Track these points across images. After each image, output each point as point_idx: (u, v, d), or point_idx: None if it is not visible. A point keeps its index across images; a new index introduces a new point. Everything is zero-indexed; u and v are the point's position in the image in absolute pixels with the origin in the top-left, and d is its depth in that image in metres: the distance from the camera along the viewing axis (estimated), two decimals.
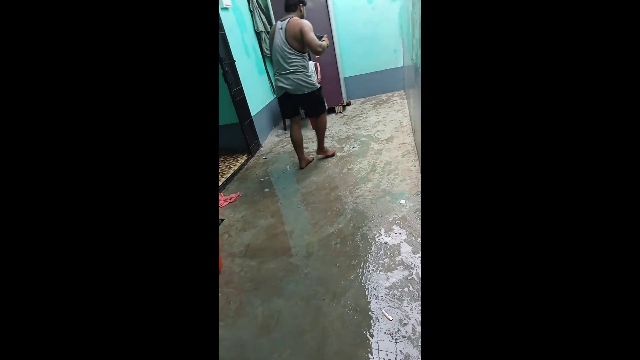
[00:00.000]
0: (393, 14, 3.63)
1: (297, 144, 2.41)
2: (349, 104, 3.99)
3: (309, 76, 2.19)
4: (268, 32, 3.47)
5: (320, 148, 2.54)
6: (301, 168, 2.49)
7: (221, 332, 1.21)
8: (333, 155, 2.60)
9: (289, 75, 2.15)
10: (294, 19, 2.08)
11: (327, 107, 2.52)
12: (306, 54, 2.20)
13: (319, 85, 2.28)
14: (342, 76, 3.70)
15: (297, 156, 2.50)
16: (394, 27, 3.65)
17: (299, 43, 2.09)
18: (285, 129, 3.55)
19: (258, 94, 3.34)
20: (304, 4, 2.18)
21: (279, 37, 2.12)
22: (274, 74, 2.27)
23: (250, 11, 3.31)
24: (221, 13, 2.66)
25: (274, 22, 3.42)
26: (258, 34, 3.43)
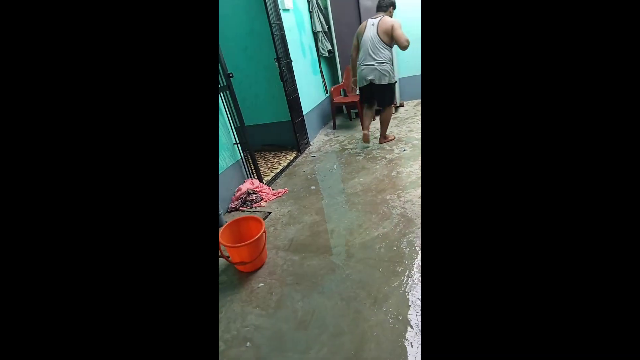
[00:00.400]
0: None
1: (367, 117, 2.77)
2: (402, 105, 3.86)
3: (393, 68, 2.52)
4: (325, 33, 3.51)
5: (383, 136, 2.82)
6: (364, 132, 2.75)
7: (262, 321, 1.25)
8: (394, 139, 2.86)
9: (377, 66, 2.47)
10: (386, 17, 2.45)
11: (396, 101, 2.86)
12: (392, 48, 2.49)
13: (395, 80, 2.60)
14: (396, 76, 3.59)
15: (361, 125, 2.82)
16: None
17: (389, 37, 2.41)
18: (334, 128, 3.56)
19: (311, 93, 3.40)
20: (394, 7, 2.52)
21: (371, 31, 2.46)
22: (360, 64, 2.58)
23: (310, 12, 3.37)
24: (282, 14, 2.76)
25: (331, 23, 3.45)
26: (315, 34, 3.48)
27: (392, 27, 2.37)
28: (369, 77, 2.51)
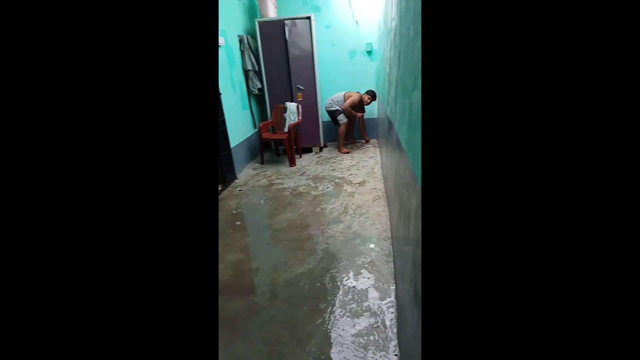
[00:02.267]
0: (371, 71, 4.00)
1: (340, 135, 3.93)
2: (325, 146, 4.16)
3: (336, 110, 3.81)
4: (256, 72, 3.64)
5: (339, 147, 3.97)
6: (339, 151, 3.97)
7: None
8: (348, 153, 3.89)
9: (331, 107, 3.82)
10: (358, 94, 3.74)
11: (340, 124, 3.89)
12: (342, 106, 3.78)
13: (335, 109, 3.80)
14: (320, 120, 3.90)
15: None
16: (371, 83, 3.99)
17: (345, 99, 3.76)
18: (262, 163, 3.59)
19: (239, 127, 3.41)
20: (371, 98, 3.71)
21: (343, 93, 3.80)
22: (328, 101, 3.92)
23: (241, 51, 3.49)
24: None
25: (262, 63, 3.62)
26: (246, 72, 3.58)
27: (350, 99, 3.69)
28: (327, 106, 3.89)
